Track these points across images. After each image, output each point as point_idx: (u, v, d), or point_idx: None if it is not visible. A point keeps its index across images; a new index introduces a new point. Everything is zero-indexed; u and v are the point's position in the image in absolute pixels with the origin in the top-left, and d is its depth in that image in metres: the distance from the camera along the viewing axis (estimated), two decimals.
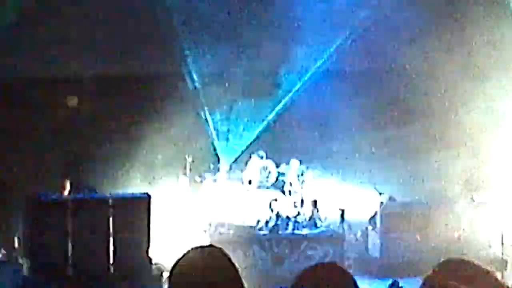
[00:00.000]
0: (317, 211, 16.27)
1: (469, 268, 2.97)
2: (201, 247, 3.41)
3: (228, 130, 17.91)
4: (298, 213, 16.01)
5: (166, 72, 17.79)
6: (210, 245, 3.40)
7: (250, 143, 17.73)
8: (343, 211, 15.85)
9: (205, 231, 15.84)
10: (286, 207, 15.97)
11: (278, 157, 16.61)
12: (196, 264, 3.25)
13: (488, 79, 17.94)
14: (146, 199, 15.72)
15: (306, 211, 16.13)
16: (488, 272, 2.92)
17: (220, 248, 3.40)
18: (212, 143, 17.87)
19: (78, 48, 17.06)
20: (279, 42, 17.79)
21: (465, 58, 17.87)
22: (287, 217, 15.89)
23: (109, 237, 15.37)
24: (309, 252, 15.51)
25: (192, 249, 3.37)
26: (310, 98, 18.09)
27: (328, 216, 16.52)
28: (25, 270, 15.28)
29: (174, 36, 17.34)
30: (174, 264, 3.28)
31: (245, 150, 17.56)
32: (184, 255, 3.31)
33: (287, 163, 16.43)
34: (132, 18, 17.09)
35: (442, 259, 3.06)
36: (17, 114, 17.15)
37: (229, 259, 3.32)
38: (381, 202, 16.32)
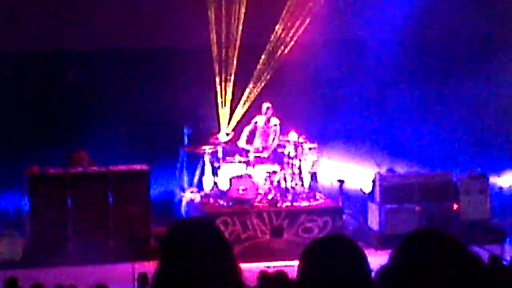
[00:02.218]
0: (316, 183, 16.28)
1: (437, 238, 2.99)
2: (191, 219, 3.42)
3: (231, 98, 17.56)
4: (297, 185, 15.99)
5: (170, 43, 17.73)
6: (200, 218, 3.40)
7: (248, 109, 17.41)
8: (342, 182, 15.84)
9: (201, 202, 15.87)
10: (285, 179, 15.96)
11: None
12: (186, 236, 3.24)
13: None
14: (146, 171, 15.74)
15: (305, 183, 16.11)
16: (457, 242, 2.95)
17: (210, 220, 3.41)
18: (213, 113, 17.60)
19: (82, 20, 17.05)
20: None
21: None
22: (286, 189, 15.87)
23: (109, 210, 15.40)
24: (308, 224, 15.51)
25: (181, 221, 3.37)
26: (312, 66, 17.81)
27: (327, 188, 16.53)
28: (25, 245, 15.32)
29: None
30: (164, 237, 3.28)
31: (243, 118, 17.30)
32: (173, 227, 3.31)
33: (286, 134, 16.29)
34: None
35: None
36: (19, 87, 17.16)
37: (220, 232, 3.32)
38: (380, 174, 16.31)
